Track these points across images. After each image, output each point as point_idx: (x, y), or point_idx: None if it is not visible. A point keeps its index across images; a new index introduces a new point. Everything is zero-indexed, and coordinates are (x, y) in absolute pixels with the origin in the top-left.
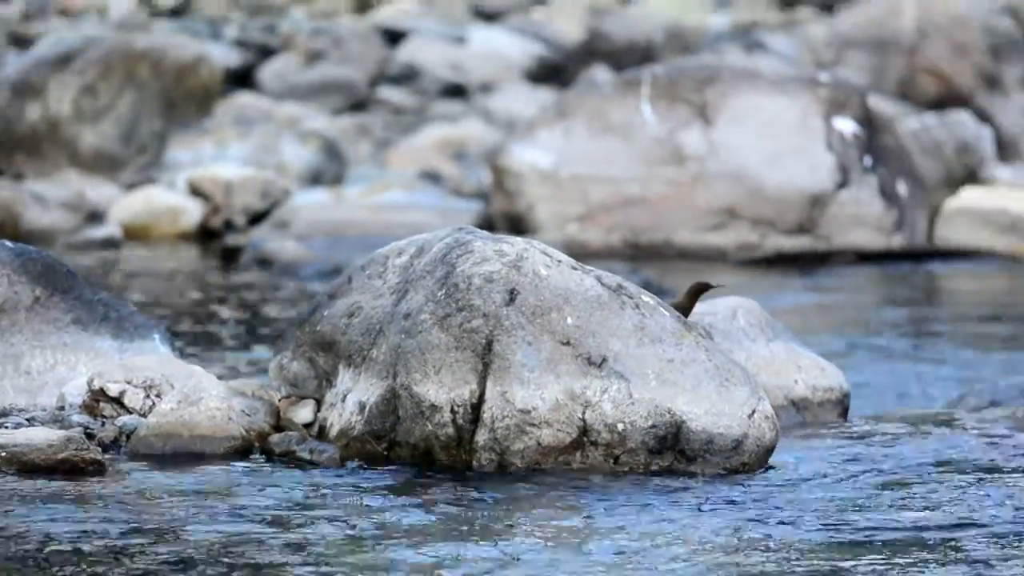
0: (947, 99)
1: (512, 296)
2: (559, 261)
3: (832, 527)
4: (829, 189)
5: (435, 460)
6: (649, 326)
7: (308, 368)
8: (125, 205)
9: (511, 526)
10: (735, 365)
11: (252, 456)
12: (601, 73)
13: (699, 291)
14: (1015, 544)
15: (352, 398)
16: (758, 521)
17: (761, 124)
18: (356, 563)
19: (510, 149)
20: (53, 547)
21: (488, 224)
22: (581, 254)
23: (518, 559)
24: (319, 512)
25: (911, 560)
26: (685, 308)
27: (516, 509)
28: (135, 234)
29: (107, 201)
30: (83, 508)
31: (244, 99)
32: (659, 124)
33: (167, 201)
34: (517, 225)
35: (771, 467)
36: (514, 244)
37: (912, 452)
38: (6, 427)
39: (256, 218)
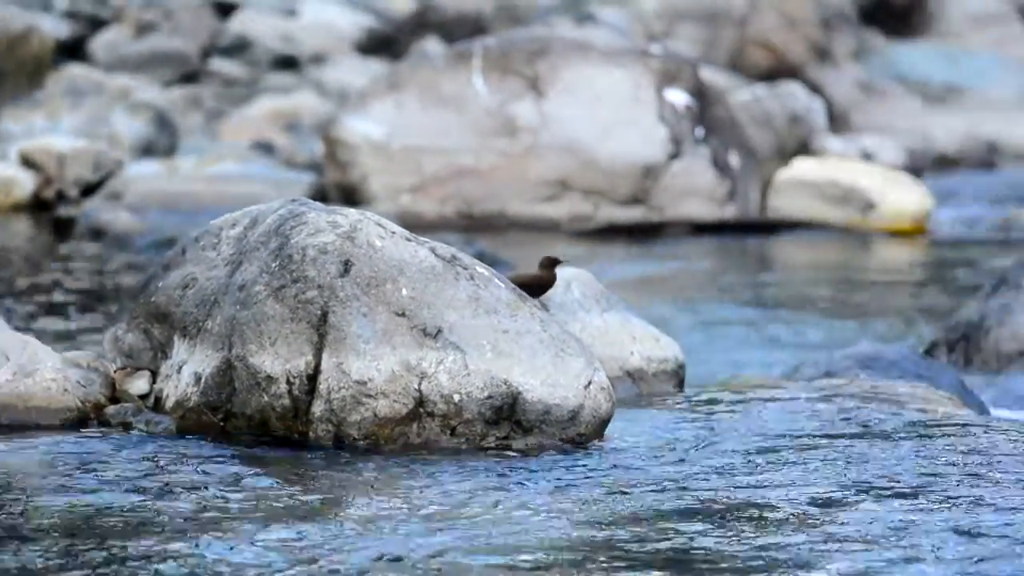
0: (778, 71)
1: (346, 267)
2: (393, 232)
3: (667, 497)
4: (661, 160)
5: (271, 431)
6: (484, 297)
7: (143, 340)
8: None
9: (346, 498)
10: (570, 336)
11: (88, 428)
12: (433, 45)
13: (553, 263)
14: (843, 508)
15: (188, 369)
16: (594, 491)
17: (593, 96)
18: (189, 535)
19: (343, 121)
20: None
21: (321, 195)
22: (415, 225)
23: (352, 532)
24: (154, 483)
25: (745, 528)
26: (549, 279)
27: (351, 481)
28: None
29: None
30: None
31: (75, 71)
32: (491, 96)
33: None
34: (350, 196)
35: (607, 438)
36: (348, 215)
37: (747, 422)
38: None
39: (89, 190)
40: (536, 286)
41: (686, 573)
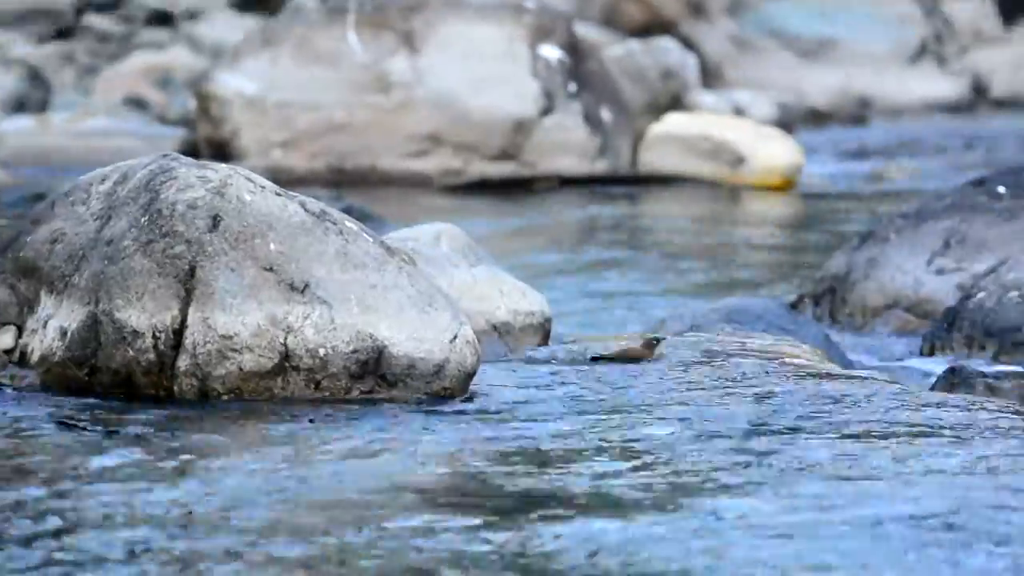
0: (652, 26)
1: (215, 222)
2: (263, 187)
3: (532, 451)
4: (534, 115)
5: (137, 386)
6: (352, 252)
7: (9, 294)
8: None
9: (210, 453)
10: (437, 290)
11: None
12: (307, 1)
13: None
14: (696, 457)
15: (53, 324)
16: (456, 443)
17: (467, 51)
18: (49, 490)
19: (215, 76)
20: None
21: (193, 151)
22: (286, 180)
23: (216, 486)
24: (14, 438)
25: (609, 483)
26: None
27: (216, 436)
28: None
29: None
30: None
31: None
32: (365, 52)
33: None
34: (221, 152)
35: (473, 392)
36: (218, 170)
37: (613, 377)
38: None
39: None
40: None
41: (542, 521)
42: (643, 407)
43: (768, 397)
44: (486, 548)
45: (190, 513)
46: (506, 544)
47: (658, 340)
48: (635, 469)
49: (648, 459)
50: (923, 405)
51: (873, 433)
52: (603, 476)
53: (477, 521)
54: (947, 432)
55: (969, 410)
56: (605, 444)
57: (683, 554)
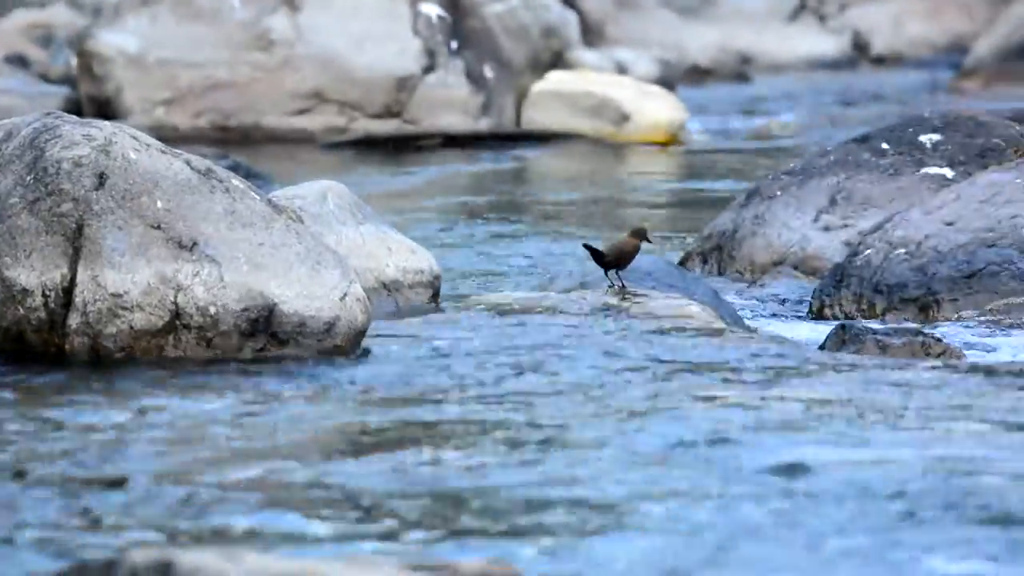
0: None
1: (102, 180)
2: (148, 145)
3: (417, 405)
4: (416, 72)
5: (28, 344)
6: (239, 210)
7: None
8: None
9: (101, 410)
10: (326, 248)
11: None
12: None
13: (643, 234)
14: (580, 410)
15: None
16: (346, 401)
17: (347, 8)
18: None
19: (97, 34)
20: None
21: (76, 109)
22: (170, 138)
23: (106, 444)
24: None
25: (499, 436)
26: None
27: (107, 394)
28: None
29: None
30: None
31: None
32: (245, 9)
33: None
34: (105, 110)
35: (364, 349)
36: (103, 128)
37: (500, 333)
38: None
39: None
40: (634, 254)
41: (432, 476)
42: (525, 360)
43: (657, 350)
44: (373, 484)
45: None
46: (390, 477)
47: (645, 233)
48: (510, 413)
49: (525, 406)
50: (811, 361)
51: (758, 389)
52: (483, 423)
53: (360, 465)
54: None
55: (853, 366)
56: (489, 396)
57: (533, 480)
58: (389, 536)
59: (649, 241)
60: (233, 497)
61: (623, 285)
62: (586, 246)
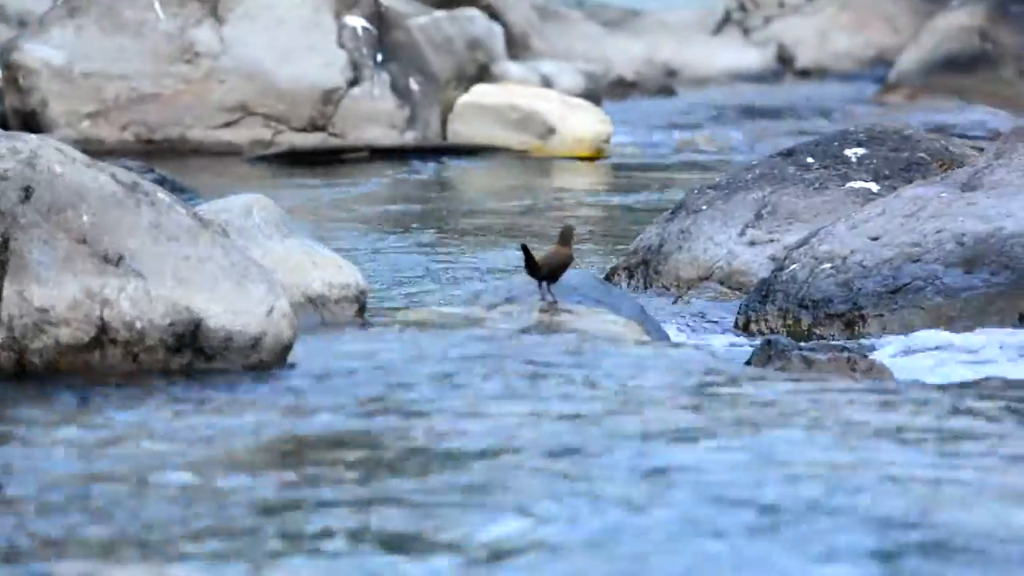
0: None
1: (27, 194)
2: (74, 159)
3: (350, 421)
4: (341, 85)
5: None
6: (165, 224)
7: None
8: None
9: (27, 425)
10: (252, 262)
11: None
12: None
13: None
14: (502, 422)
15: None
16: (272, 415)
17: (272, 21)
18: None
19: (23, 46)
20: None
21: (1, 122)
22: (95, 151)
23: (33, 459)
24: None
25: (415, 450)
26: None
27: (33, 408)
28: None
29: None
30: None
31: None
32: (170, 21)
33: None
34: (30, 123)
35: (291, 364)
36: (28, 141)
37: (426, 347)
38: None
39: None
40: (567, 265)
41: (358, 486)
42: (451, 375)
43: (580, 366)
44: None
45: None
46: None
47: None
48: (433, 427)
49: (448, 420)
50: (733, 376)
51: (681, 405)
52: (406, 438)
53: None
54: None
55: (776, 383)
56: (411, 410)
57: (454, 495)
58: (308, 549)
59: (572, 231)
60: (155, 508)
61: (555, 300)
62: (524, 247)
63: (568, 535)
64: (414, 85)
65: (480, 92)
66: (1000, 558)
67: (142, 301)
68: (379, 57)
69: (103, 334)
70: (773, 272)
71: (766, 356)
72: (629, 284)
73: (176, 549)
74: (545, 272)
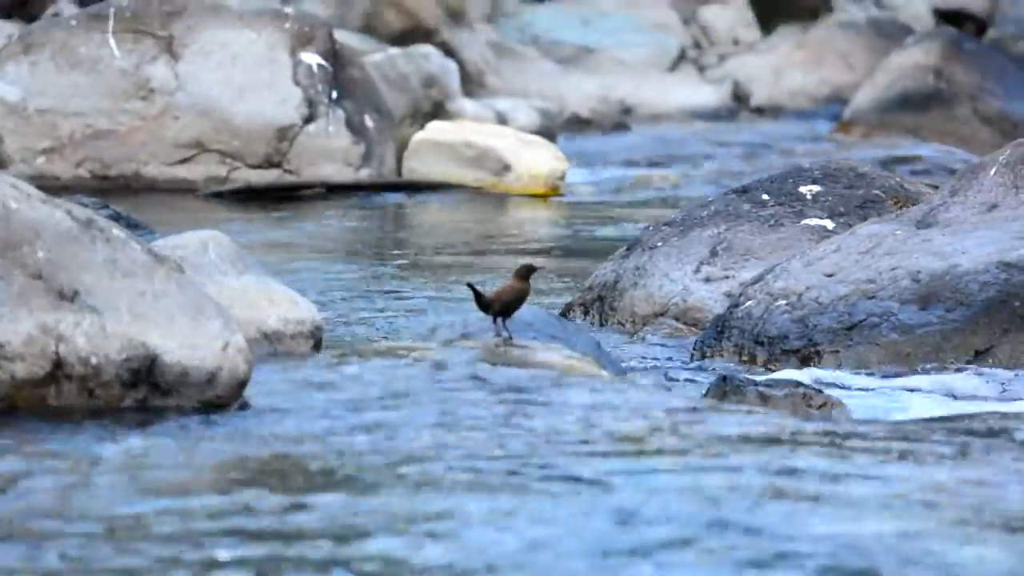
0: (412, 33)
1: None
2: (29, 195)
3: (305, 457)
4: (296, 122)
5: None
6: (120, 260)
7: None
8: None
9: None
10: (207, 298)
11: None
12: (67, 7)
13: (530, 272)
14: (473, 461)
15: None
16: (228, 451)
17: (228, 58)
18: None
19: None
20: None
21: None
22: (50, 187)
23: None
24: None
25: (371, 485)
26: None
27: None
28: None
29: None
30: None
31: None
32: (126, 58)
33: None
34: None
35: (246, 400)
36: None
37: (381, 384)
38: None
39: None
40: (521, 299)
41: (314, 524)
42: (405, 410)
43: (538, 403)
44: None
45: None
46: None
47: (531, 270)
48: (387, 463)
49: (403, 457)
50: (691, 411)
51: (636, 440)
52: (360, 472)
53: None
54: (711, 440)
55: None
56: (367, 447)
57: (411, 531)
58: None
59: (534, 270)
60: (106, 543)
61: (509, 336)
62: (470, 286)
63: (492, 558)
64: (369, 122)
65: (435, 129)
66: None
67: (97, 337)
68: (334, 94)
69: (58, 369)
70: (729, 308)
71: (721, 392)
72: (585, 320)
73: None
74: (497, 308)
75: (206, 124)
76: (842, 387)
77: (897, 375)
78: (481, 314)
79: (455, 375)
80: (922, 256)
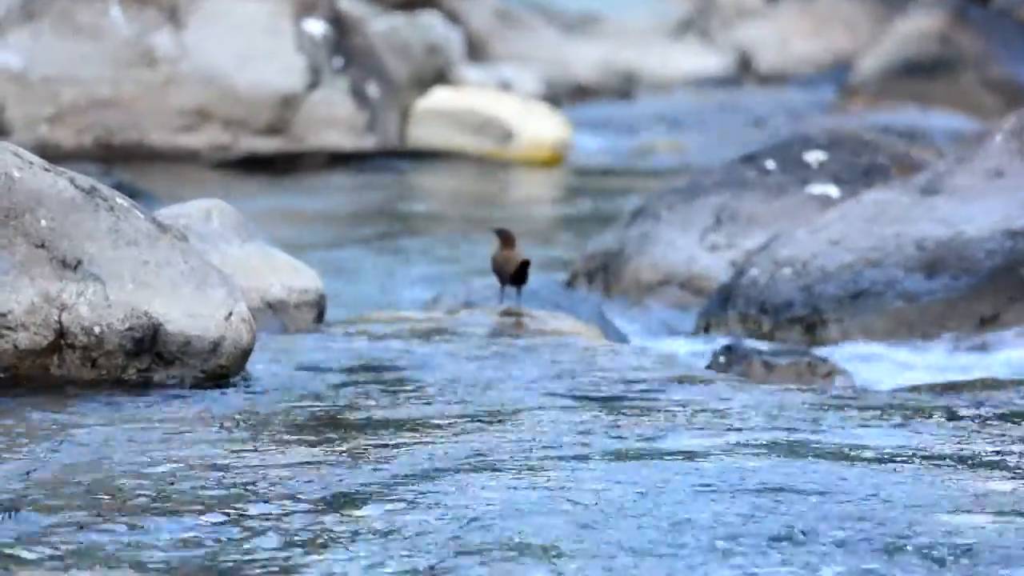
0: (415, 0)
1: None
2: (31, 163)
3: (309, 427)
4: (300, 90)
5: None
6: (124, 228)
7: None
8: None
9: None
10: (211, 267)
11: None
12: None
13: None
14: (464, 429)
15: None
16: (232, 420)
17: (232, 25)
18: None
19: None
20: None
21: None
22: (53, 156)
23: None
24: None
25: (374, 453)
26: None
27: None
28: None
29: None
30: None
31: None
32: (129, 26)
33: None
34: None
35: (249, 369)
36: None
37: (387, 352)
38: None
39: None
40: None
41: (316, 494)
42: (408, 379)
43: (541, 367)
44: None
45: None
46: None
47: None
48: (391, 433)
49: (407, 427)
50: (697, 381)
51: (640, 407)
52: (364, 444)
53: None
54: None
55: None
56: (373, 416)
57: (413, 501)
58: (262, 559)
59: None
60: (107, 515)
61: (518, 303)
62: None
63: (488, 524)
64: (373, 90)
65: (439, 96)
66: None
67: (100, 306)
68: (338, 62)
69: (61, 339)
70: (733, 276)
71: (726, 360)
72: (589, 288)
73: (121, 560)
74: (514, 276)
75: (210, 92)
76: (847, 355)
77: (902, 343)
78: (489, 281)
79: (458, 344)
80: (927, 224)
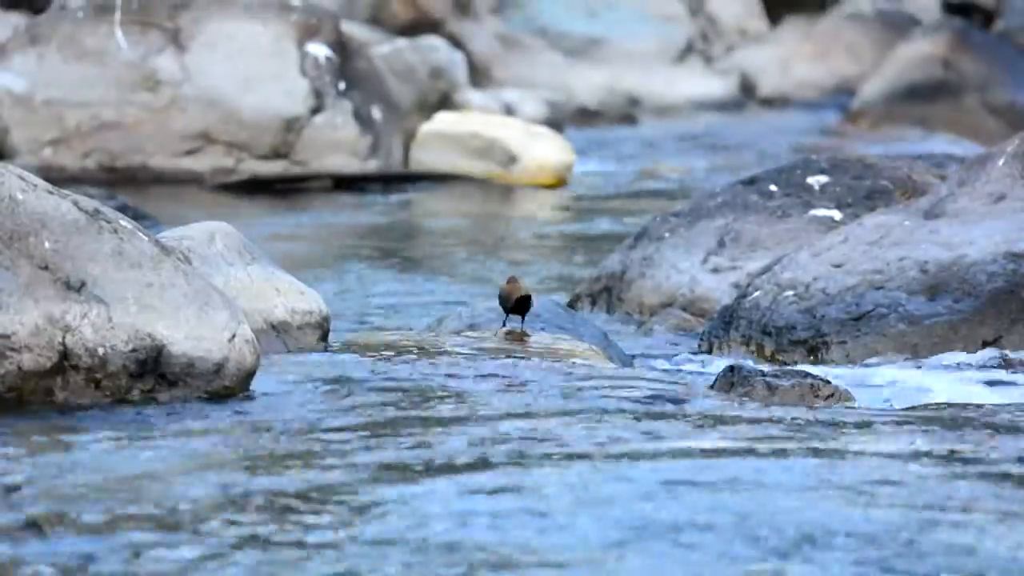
0: (419, 24)
1: None
2: (35, 185)
3: (312, 448)
4: (304, 114)
5: None
6: (127, 251)
7: None
8: None
9: None
10: (214, 289)
11: None
12: None
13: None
14: (481, 452)
15: None
16: (235, 442)
17: (235, 49)
18: None
19: None
20: None
21: None
22: (57, 179)
23: None
24: None
25: (383, 476)
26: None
27: None
28: None
29: None
30: None
31: None
32: (132, 49)
33: None
34: None
35: (252, 390)
36: None
37: (389, 374)
38: None
39: None
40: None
41: (319, 512)
42: (412, 400)
43: (538, 390)
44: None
45: None
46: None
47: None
48: (397, 453)
49: (412, 446)
50: (694, 402)
51: (638, 427)
52: (368, 465)
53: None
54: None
55: (736, 408)
56: (377, 435)
57: (417, 523)
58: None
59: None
60: (115, 537)
61: (521, 327)
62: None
63: (490, 540)
64: (376, 113)
65: (442, 120)
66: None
67: (104, 327)
68: (341, 85)
69: (65, 360)
70: (736, 299)
71: (729, 382)
72: (592, 310)
73: None
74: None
75: (213, 116)
76: (850, 378)
77: (905, 365)
78: (491, 305)
79: (462, 366)
80: (930, 246)
